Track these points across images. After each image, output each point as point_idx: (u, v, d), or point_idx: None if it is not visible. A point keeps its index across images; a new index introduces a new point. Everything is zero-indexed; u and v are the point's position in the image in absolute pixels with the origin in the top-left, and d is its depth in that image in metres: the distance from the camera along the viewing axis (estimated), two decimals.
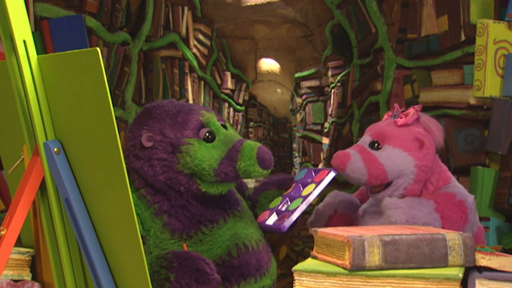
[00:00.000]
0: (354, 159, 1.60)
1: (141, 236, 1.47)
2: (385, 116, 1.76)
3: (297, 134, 7.53)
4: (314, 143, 6.68)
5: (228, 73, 6.24)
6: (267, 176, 1.67)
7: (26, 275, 1.37)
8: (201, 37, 4.95)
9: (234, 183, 1.57)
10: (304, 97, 6.81)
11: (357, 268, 1.13)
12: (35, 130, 1.15)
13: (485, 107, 2.32)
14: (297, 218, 1.55)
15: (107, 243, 1.14)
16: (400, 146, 1.62)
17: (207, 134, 1.51)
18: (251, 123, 8.59)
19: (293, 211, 1.55)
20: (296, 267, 1.18)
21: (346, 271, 1.14)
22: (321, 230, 1.28)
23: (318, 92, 6.52)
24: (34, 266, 1.38)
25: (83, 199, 1.14)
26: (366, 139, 1.66)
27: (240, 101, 6.84)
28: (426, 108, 2.70)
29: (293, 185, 1.68)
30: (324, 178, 1.60)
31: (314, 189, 1.59)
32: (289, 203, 1.63)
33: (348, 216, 1.78)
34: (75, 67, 1.09)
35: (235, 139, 1.52)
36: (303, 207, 1.55)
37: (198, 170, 1.48)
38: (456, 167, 2.42)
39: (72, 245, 1.18)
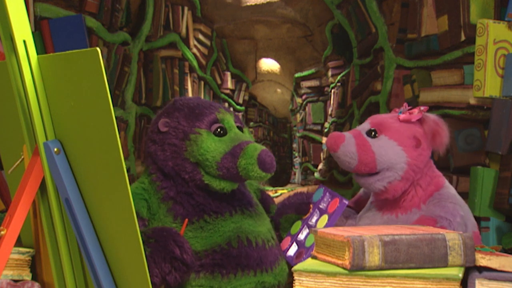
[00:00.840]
0: (347, 142, 1.60)
1: (145, 219, 1.52)
2: (392, 112, 1.75)
3: (297, 134, 7.53)
4: (314, 143, 6.68)
5: (228, 73, 6.24)
6: (287, 198, 1.73)
7: (26, 275, 1.37)
8: (201, 37, 4.95)
9: (237, 183, 1.58)
10: (304, 97, 6.81)
11: (357, 268, 1.13)
12: (35, 130, 1.15)
13: (485, 107, 2.32)
14: None
15: (107, 243, 1.14)
16: (396, 139, 1.61)
17: (218, 129, 1.57)
18: (251, 123, 8.60)
19: (309, 248, 1.58)
20: (296, 267, 1.18)
21: (346, 271, 1.14)
22: (321, 230, 1.28)
23: (318, 92, 6.52)
24: (34, 266, 1.38)
25: (83, 199, 1.14)
26: (365, 126, 1.67)
27: (240, 101, 6.84)
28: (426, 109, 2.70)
29: (311, 206, 1.70)
30: (336, 209, 1.61)
31: (327, 222, 1.61)
32: (307, 231, 1.65)
33: None
34: (75, 67, 1.09)
35: (243, 139, 1.56)
36: None
37: (202, 160, 1.53)
38: (456, 167, 2.42)
39: (72, 245, 1.18)
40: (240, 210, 1.59)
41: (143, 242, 1.35)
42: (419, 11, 2.86)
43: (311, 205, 1.70)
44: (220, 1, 5.24)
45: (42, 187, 1.17)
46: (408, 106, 1.72)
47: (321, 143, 6.25)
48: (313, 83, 6.56)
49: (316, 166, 6.39)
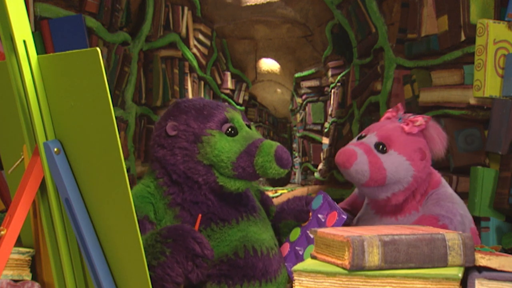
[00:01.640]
0: (360, 160, 1.57)
1: (154, 223, 1.51)
2: (387, 114, 1.73)
3: (297, 134, 7.53)
4: (314, 143, 6.68)
5: (228, 73, 6.24)
6: (286, 202, 1.71)
7: (26, 275, 1.37)
8: (201, 37, 4.95)
9: (251, 181, 1.57)
10: (304, 97, 6.81)
11: (356, 268, 1.13)
12: (35, 130, 1.15)
13: (485, 107, 2.32)
14: None
15: (107, 243, 1.14)
16: (404, 154, 1.60)
17: (229, 129, 1.54)
18: (251, 123, 8.59)
19: None
20: (296, 267, 1.18)
21: (345, 271, 1.14)
22: (321, 230, 1.28)
23: (318, 92, 6.52)
24: (34, 266, 1.38)
25: (83, 199, 1.14)
26: (372, 139, 1.64)
27: (240, 101, 6.84)
28: (426, 108, 2.71)
29: (310, 214, 1.67)
30: (334, 224, 1.58)
31: None
32: (305, 241, 1.62)
33: None
34: (75, 67, 1.09)
35: (256, 137, 1.55)
36: None
37: (217, 162, 1.50)
38: (456, 167, 2.42)
39: (72, 245, 1.18)
40: (246, 216, 1.57)
41: (159, 243, 1.34)
42: (419, 11, 2.86)
43: (310, 213, 1.68)
44: (220, 1, 5.24)
45: (42, 187, 1.17)
46: (402, 107, 1.71)
47: (321, 143, 6.25)
48: (313, 83, 6.56)
49: (316, 166, 6.39)
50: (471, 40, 2.35)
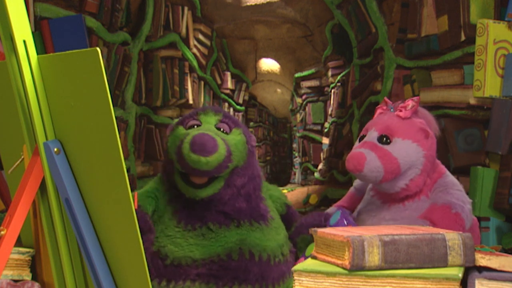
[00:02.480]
0: (370, 158, 1.58)
1: (147, 215, 1.52)
2: (379, 110, 1.74)
3: (297, 134, 7.53)
4: (314, 143, 6.69)
5: (228, 73, 6.24)
6: (304, 217, 1.68)
7: (26, 275, 1.37)
8: (201, 37, 4.95)
9: (216, 185, 1.53)
10: (304, 97, 6.82)
11: (356, 268, 1.13)
12: (35, 130, 1.15)
13: (485, 107, 2.32)
14: None
15: (107, 243, 1.14)
16: (409, 137, 1.61)
17: (192, 125, 1.57)
18: (251, 123, 8.60)
19: None
20: (296, 267, 1.18)
21: (345, 271, 1.14)
22: (321, 230, 1.28)
23: (318, 92, 6.52)
24: (34, 266, 1.38)
25: (83, 199, 1.14)
26: (373, 134, 1.64)
27: (240, 101, 6.84)
28: (426, 108, 2.70)
29: None
30: None
31: None
32: None
33: None
34: (75, 67, 1.09)
35: (200, 130, 1.52)
36: None
37: (170, 153, 1.54)
38: (456, 167, 2.42)
39: (72, 245, 1.18)
40: (248, 221, 1.56)
41: None
42: (419, 11, 2.86)
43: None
44: (220, 1, 5.24)
45: (42, 187, 1.17)
46: (389, 100, 1.72)
47: (321, 143, 6.25)
48: (313, 83, 6.56)
49: (316, 166, 6.39)
50: (471, 40, 2.35)
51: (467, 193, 2.09)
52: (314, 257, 1.28)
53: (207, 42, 5.18)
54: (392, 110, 1.69)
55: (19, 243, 1.39)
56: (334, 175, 5.18)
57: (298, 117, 7.28)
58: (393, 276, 1.12)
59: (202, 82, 5.09)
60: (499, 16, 2.28)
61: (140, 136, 3.64)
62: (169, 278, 1.48)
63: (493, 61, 2.11)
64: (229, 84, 6.24)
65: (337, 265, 1.17)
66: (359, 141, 1.69)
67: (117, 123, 1.07)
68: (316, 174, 6.21)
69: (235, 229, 1.53)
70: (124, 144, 3.36)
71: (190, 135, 1.46)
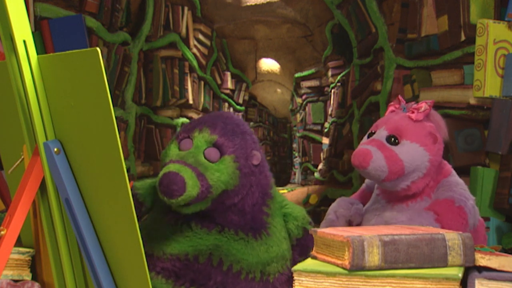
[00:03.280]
0: (376, 157, 1.58)
1: (141, 203, 1.53)
2: (391, 108, 1.74)
3: (297, 134, 7.53)
4: (314, 143, 6.69)
5: (228, 73, 6.24)
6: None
7: (26, 275, 1.37)
8: (201, 37, 4.95)
9: (196, 206, 1.48)
10: (304, 97, 6.81)
11: (356, 268, 1.13)
12: (35, 130, 1.15)
13: (485, 107, 2.32)
14: None
15: (107, 243, 1.14)
16: (417, 141, 1.62)
17: (183, 141, 1.51)
18: (251, 123, 8.60)
19: None
20: (295, 267, 1.18)
21: (345, 271, 1.14)
22: (321, 230, 1.28)
23: (318, 92, 6.52)
24: (34, 266, 1.38)
25: (83, 199, 1.14)
26: (382, 133, 1.64)
27: (240, 101, 6.84)
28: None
29: None
30: None
31: None
32: None
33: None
34: (75, 67, 1.09)
35: (180, 157, 1.47)
36: None
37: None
38: (456, 167, 2.41)
39: (72, 245, 1.18)
40: (234, 231, 1.51)
41: None
42: (419, 11, 2.86)
43: None
44: (220, 1, 5.24)
45: (42, 187, 1.17)
46: (403, 98, 1.72)
47: (321, 143, 6.25)
48: (313, 83, 6.56)
49: (316, 166, 6.39)
50: (471, 40, 2.35)
51: None
52: (314, 257, 1.28)
53: (207, 42, 5.18)
54: (404, 110, 1.69)
55: (19, 243, 1.39)
56: (334, 175, 5.18)
57: (298, 117, 7.28)
58: (393, 276, 1.12)
59: (202, 82, 5.09)
60: (499, 16, 2.29)
61: (140, 136, 3.64)
62: None
63: (493, 61, 2.11)
64: (229, 84, 6.24)
65: (337, 265, 1.17)
66: (368, 137, 1.69)
67: (117, 123, 1.07)
68: (316, 174, 6.21)
69: (216, 234, 1.50)
70: (124, 144, 3.36)
71: (161, 173, 1.42)
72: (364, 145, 1.63)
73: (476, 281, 1.13)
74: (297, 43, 6.35)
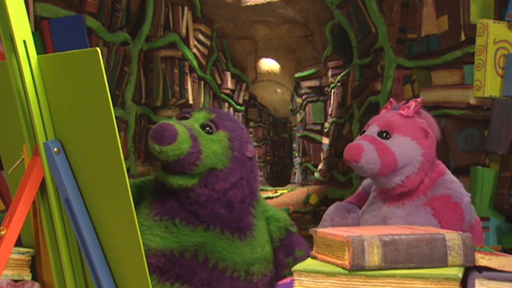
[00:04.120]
0: (367, 150, 1.60)
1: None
2: (383, 110, 1.76)
3: (297, 134, 7.53)
4: (314, 143, 6.69)
5: (228, 73, 6.24)
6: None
7: (26, 275, 1.37)
8: (201, 37, 4.95)
9: (177, 174, 1.49)
10: (304, 97, 6.82)
11: (356, 268, 1.13)
12: (35, 130, 1.15)
13: (485, 107, 2.32)
14: None
15: (107, 243, 1.14)
16: (408, 135, 1.63)
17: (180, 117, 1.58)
18: (251, 123, 8.60)
19: None
20: (295, 267, 1.18)
21: (345, 271, 1.14)
22: (321, 230, 1.28)
23: (318, 92, 6.52)
24: (34, 266, 1.38)
25: (83, 199, 1.14)
26: (373, 129, 1.67)
27: (240, 101, 6.84)
28: (426, 108, 2.70)
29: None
30: None
31: None
32: None
33: None
34: (75, 67, 1.09)
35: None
36: None
37: None
38: (456, 167, 2.43)
39: (72, 245, 1.18)
40: (220, 229, 1.52)
41: None
42: (419, 11, 2.86)
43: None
44: (220, 1, 5.24)
45: (42, 187, 1.17)
46: (394, 101, 1.74)
47: (321, 143, 6.25)
48: (313, 83, 6.57)
49: (316, 166, 6.39)
50: (471, 40, 2.35)
51: None
52: (314, 257, 1.28)
53: (207, 42, 5.18)
54: (395, 109, 1.71)
55: (19, 243, 1.39)
56: (334, 175, 5.18)
57: (298, 117, 7.28)
58: (393, 276, 1.12)
59: (202, 82, 5.09)
60: (499, 16, 2.29)
61: (140, 136, 3.64)
62: None
63: (493, 61, 2.12)
64: (229, 84, 6.24)
65: (337, 265, 1.17)
66: (360, 135, 1.70)
67: (117, 123, 1.07)
68: (316, 174, 6.21)
69: (201, 232, 1.50)
70: (124, 144, 3.36)
71: (155, 125, 1.46)
72: (356, 140, 1.66)
73: (476, 281, 1.13)
74: (297, 43, 6.35)
